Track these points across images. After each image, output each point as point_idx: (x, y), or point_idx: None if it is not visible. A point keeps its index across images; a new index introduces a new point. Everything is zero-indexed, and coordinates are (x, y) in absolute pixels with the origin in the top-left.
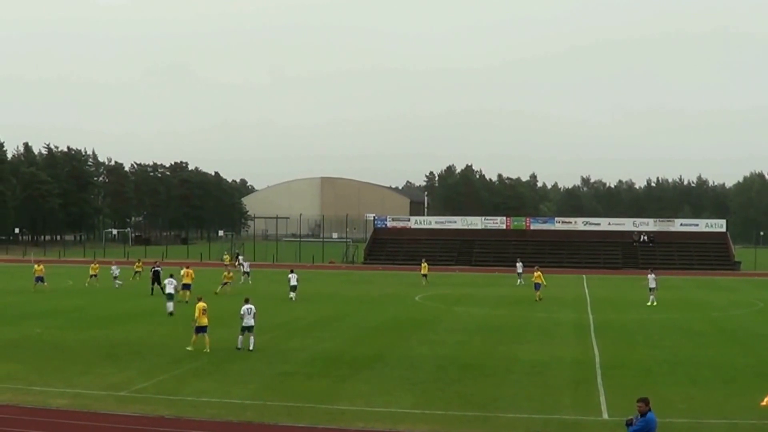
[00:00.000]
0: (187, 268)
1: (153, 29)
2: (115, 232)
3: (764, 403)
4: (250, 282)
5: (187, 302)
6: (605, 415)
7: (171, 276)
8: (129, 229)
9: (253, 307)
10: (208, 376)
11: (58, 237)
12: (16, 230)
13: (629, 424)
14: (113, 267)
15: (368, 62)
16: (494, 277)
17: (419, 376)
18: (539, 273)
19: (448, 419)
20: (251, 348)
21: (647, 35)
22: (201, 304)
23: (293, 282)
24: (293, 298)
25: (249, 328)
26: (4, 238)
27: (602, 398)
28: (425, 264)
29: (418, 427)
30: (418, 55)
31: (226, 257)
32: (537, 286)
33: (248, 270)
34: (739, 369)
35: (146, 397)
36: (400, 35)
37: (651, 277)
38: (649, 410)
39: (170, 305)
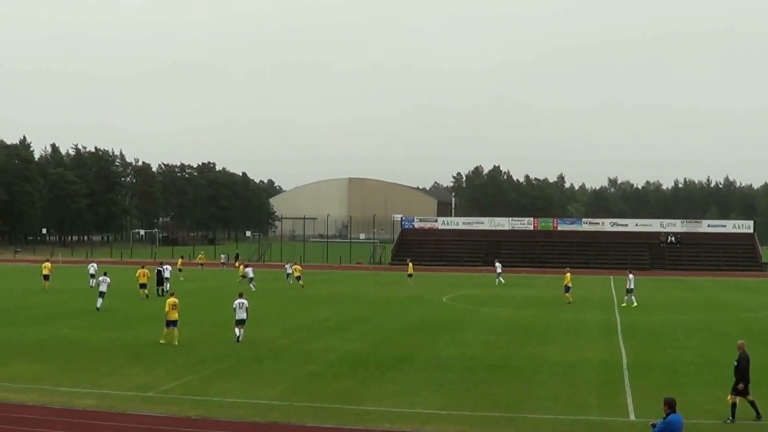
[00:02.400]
0: (142, 268)
1: (179, 27)
2: (142, 232)
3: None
4: (252, 287)
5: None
6: (632, 417)
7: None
8: (156, 229)
9: (245, 301)
10: (234, 376)
11: (86, 237)
12: (44, 231)
13: (654, 425)
14: (91, 266)
15: (393, 61)
16: (521, 278)
17: (446, 376)
18: (569, 275)
19: (475, 420)
20: (239, 340)
21: (677, 31)
22: (171, 300)
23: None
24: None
25: (241, 322)
26: (31, 238)
27: (629, 399)
28: (411, 264)
29: (445, 427)
30: (444, 53)
31: (201, 256)
32: (567, 288)
33: (251, 275)
34: (766, 371)
35: (173, 397)
36: (426, 33)
37: (630, 277)
38: (673, 412)
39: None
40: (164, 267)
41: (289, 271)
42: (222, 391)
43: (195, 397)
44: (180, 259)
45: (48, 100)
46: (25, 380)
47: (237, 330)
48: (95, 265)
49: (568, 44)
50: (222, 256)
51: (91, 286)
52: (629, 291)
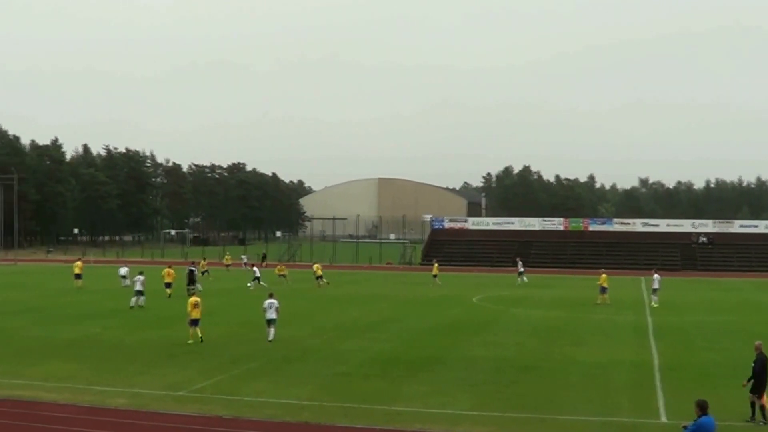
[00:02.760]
0: (169, 267)
1: (206, 27)
2: (173, 232)
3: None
4: (250, 286)
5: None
6: (663, 419)
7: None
8: (187, 229)
9: (275, 301)
10: (265, 376)
11: (117, 238)
12: (76, 231)
13: (686, 427)
14: (123, 268)
15: (421, 60)
16: (552, 279)
17: (477, 377)
18: (605, 276)
19: (506, 421)
20: (270, 339)
21: (708, 28)
22: (193, 299)
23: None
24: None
25: (271, 321)
26: (63, 238)
27: (660, 401)
28: (436, 264)
29: (475, 428)
30: (471, 52)
31: (227, 258)
32: (603, 289)
33: (258, 275)
34: None
35: (204, 397)
36: (455, 32)
37: (656, 277)
38: (705, 414)
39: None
40: (195, 267)
41: (257, 274)
42: (253, 391)
43: (226, 397)
44: (202, 261)
45: (78, 100)
46: (58, 379)
47: (268, 330)
48: (127, 268)
49: (596, 42)
50: (243, 257)
51: (125, 286)
52: (654, 291)
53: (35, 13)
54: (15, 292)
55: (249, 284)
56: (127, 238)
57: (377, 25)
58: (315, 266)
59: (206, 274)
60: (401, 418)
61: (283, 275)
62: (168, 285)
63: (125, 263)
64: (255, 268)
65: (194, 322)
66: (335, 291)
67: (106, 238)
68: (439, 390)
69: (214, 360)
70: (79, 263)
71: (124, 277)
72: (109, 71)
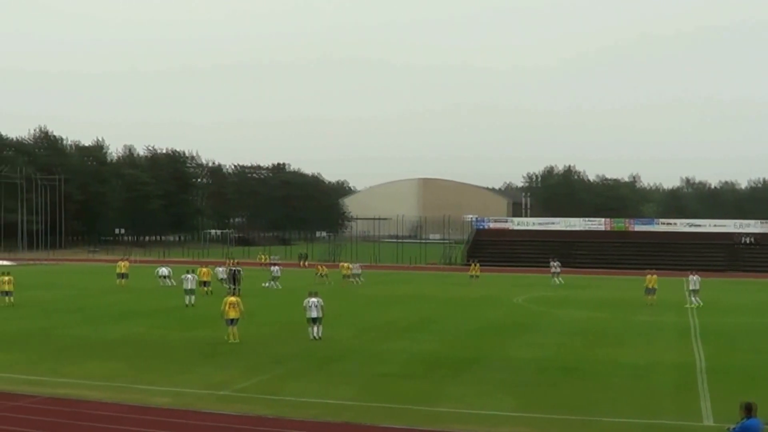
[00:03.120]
0: (205, 267)
1: (244, 26)
2: (216, 233)
3: None
4: (269, 285)
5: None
6: (707, 421)
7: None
8: (230, 230)
9: (318, 300)
10: (307, 376)
11: (160, 238)
12: (119, 231)
13: (731, 430)
14: (163, 269)
15: (459, 60)
16: (595, 279)
17: (519, 378)
18: (654, 277)
19: (548, 423)
20: (319, 336)
21: (754, 20)
22: (231, 299)
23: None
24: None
25: (314, 320)
26: (106, 238)
27: (705, 403)
28: (475, 264)
29: (517, 430)
30: (510, 52)
31: (262, 257)
32: (651, 290)
33: (277, 275)
34: None
35: (247, 396)
36: (492, 31)
37: (694, 278)
38: (750, 416)
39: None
40: (239, 267)
41: (358, 271)
42: (295, 391)
43: (268, 397)
44: (230, 261)
45: (120, 101)
46: (102, 378)
47: (312, 328)
48: (167, 268)
49: (637, 39)
50: (273, 257)
51: (170, 285)
52: (694, 292)
53: (74, 15)
54: (59, 291)
55: (265, 284)
56: (170, 238)
57: (415, 25)
58: (342, 264)
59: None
60: (443, 418)
61: (324, 275)
62: (205, 284)
63: (166, 263)
64: (274, 267)
65: (232, 321)
66: (378, 291)
67: (149, 238)
68: (481, 391)
69: (256, 360)
70: (124, 263)
71: (164, 277)
72: (150, 71)
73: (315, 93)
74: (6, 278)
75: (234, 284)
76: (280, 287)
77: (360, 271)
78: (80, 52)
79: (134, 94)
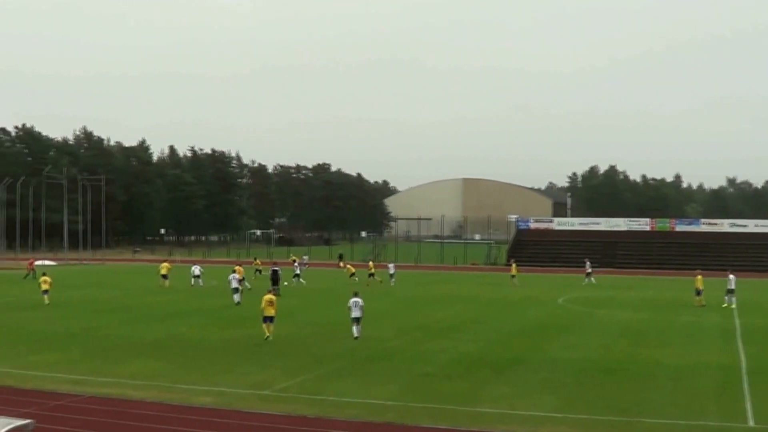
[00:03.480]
0: (239, 266)
1: (286, 30)
2: (258, 233)
3: None
4: (287, 284)
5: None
6: (751, 422)
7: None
8: (272, 230)
9: (360, 300)
10: (349, 376)
11: (203, 238)
12: (162, 231)
13: None
14: (195, 267)
15: (502, 62)
16: (638, 280)
17: (561, 379)
18: (701, 277)
19: (590, 423)
20: (357, 336)
21: None
22: (268, 296)
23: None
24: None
25: (357, 319)
26: (150, 238)
27: (748, 404)
28: (515, 264)
29: (559, 430)
30: (553, 54)
31: (294, 258)
32: (698, 291)
33: (298, 272)
34: None
35: (289, 396)
36: (534, 34)
37: (731, 278)
38: None
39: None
40: (277, 267)
41: (392, 271)
42: (337, 391)
43: (310, 396)
44: (255, 260)
45: (163, 103)
46: (144, 377)
47: (354, 328)
48: (199, 267)
49: (679, 39)
50: (303, 257)
51: (192, 285)
52: (730, 292)
53: (118, 21)
54: (102, 291)
55: (285, 283)
56: (213, 238)
57: (456, 28)
58: (370, 263)
59: (259, 273)
60: (485, 419)
61: (353, 274)
62: (241, 280)
63: (198, 262)
64: (296, 265)
65: (268, 319)
66: (420, 291)
67: (192, 238)
68: (523, 391)
69: (298, 359)
70: (166, 264)
71: (196, 276)
72: (194, 73)
73: (358, 94)
74: (45, 278)
75: (275, 284)
76: (305, 283)
77: (394, 270)
78: (123, 57)
79: (177, 96)
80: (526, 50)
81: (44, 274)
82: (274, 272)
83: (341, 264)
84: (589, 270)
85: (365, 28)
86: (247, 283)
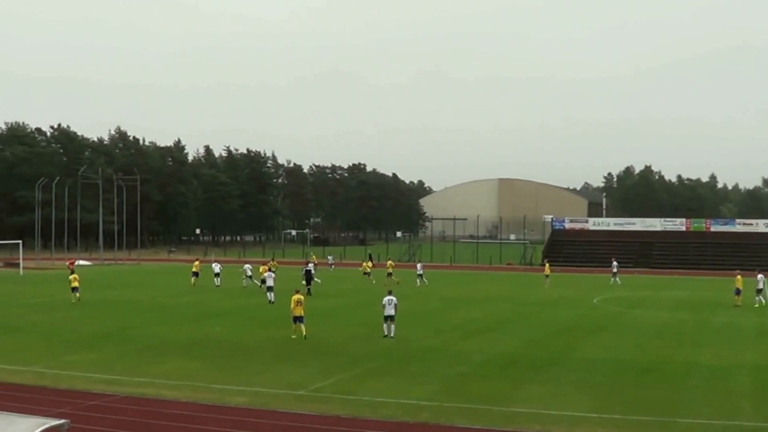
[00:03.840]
0: (265, 265)
1: (321, 39)
2: (293, 233)
3: None
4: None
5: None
6: None
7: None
8: (307, 230)
9: (393, 298)
10: (384, 376)
11: (238, 238)
12: (197, 231)
13: None
14: (246, 266)
15: (533, 72)
16: (674, 280)
17: (597, 379)
18: (740, 277)
19: (626, 423)
20: (392, 335)
21: None
22: (296, 297)
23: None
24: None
25: (390, 317)
26: (185, 238)
27: None
28: (548, 264)
29: (594, 430)
30: (595, 61)
31: (314, 257)
32: (738, 291)
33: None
34: None
35: (324, 396)
36: (569, 43)
37: (760, 277)
38: None
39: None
40: (310, 265)
41: (420, 272)
42: (372, 391)
43: (345, 396)
44: (272, 261)
45: (200, 110)
46: (179, 377)
47: (385, 326)
48: (219, 264)
49: (710, 47)
50: (329, 257)
51: (217, 286)
52: (759, 291)
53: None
54: (137, 291)
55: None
56: (248, 238)
57: (485, 38)
58: (389, 262)
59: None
60: (520, 419)
61: (368, 273)
62: (263, 281)
63: (216, 261)
64: (309, 265)
65: (298, 319)
66: (455, 292)
67: (228, 238)
68: (559, 391)
69: (333, 359)
70: (197, 263)
71: (217, 274)
72: (230, 81)
73: (392, 95)
74: (74, 276)
75: (308, 283)
76: (319, 281)
77: (422, 271)
78: (159, 67)
79: (215, 105)
80: (563, 59)
81: (73, 272)
82: (307, 272)
83: (371, 265)
84: (615, 270)
85: (390, 39)
86: (255, 281)
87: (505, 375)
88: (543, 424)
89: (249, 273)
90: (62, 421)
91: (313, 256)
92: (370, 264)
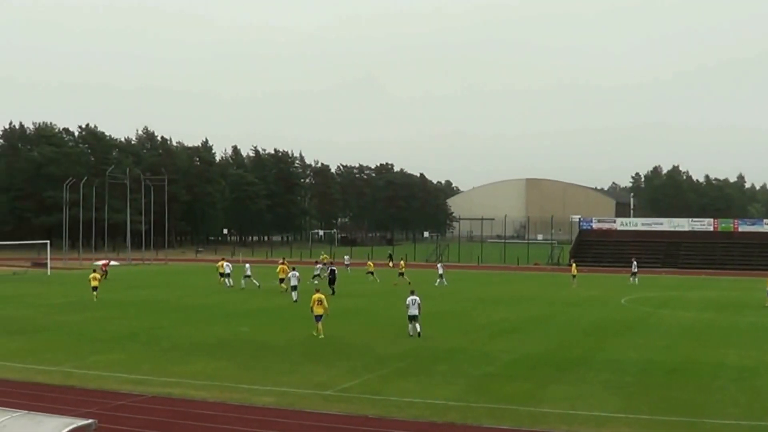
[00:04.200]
0: (283, 264)
1: (353, 46)
2: (321, 233)
3: None
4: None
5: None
6: None
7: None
8: (335, 230)
9: (417, 298)
10: (412, 376)
11: (266, 238)
12: (225, 231)
13: None
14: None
15: (570, 78)
16: (702, 280)
17: (624, 379)
18: None
19: (653, 424)
20: (419, 333)
21: None
22: (317, 296)
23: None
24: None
25: (414, 317)
26: (213, 238)
27: None
28: (575, 265)
29: (622, 431)
30: (618, 68)
31: (324, 257)
32: None
33: (317, 272)
34: None
35: (351, 396)
36: (593, 51)
37: None
38: None
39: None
40: (333, 266)
41: (441, 272)
42: (399, 391)
43: (373, 396)
44: (283, 261)
45: (229, 117)
46: (207, 377)
47: (411, 326)
48: (230, 264)
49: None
50: (345, 257)
51: (229, 286)
52: None
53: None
54: (165, 291)
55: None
56: (276, 238)
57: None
58: (402, 262)
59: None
60: (547, 419)
61: (371, 272)
62: (282, 280)
63: (228, 261)
64: (318, 265)
65: (319, 318)
66: (482, 292)
67: (255, 238)
68: (586, 392)
69: (360, 359)
70: (223, 262)
71: (227, 275)
72: (256, 88)
73: (420, 93)
74: (95, 275)
75: (331, 284)
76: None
77: (443, 271)
78: (182, 73)
79: (239, 110)
80: (596, 67)
81: (94, 271)
82: (332, 272)
83: (391, 264)
84: (635, 270)
85: (414, 44)
86: (255, 281)
87: (532, 375)
88: (570, 424)
89: (248, 273)
90: (90, 420)
91: (325, 256)
92: (391, 263)
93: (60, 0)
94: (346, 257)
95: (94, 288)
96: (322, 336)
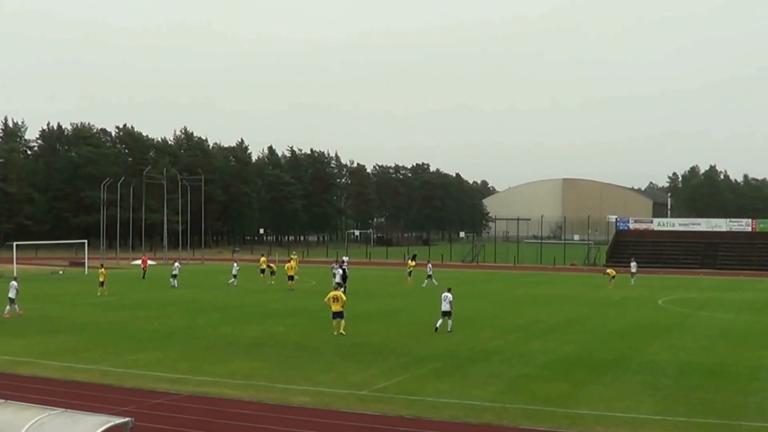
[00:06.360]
0: (290, 262)
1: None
2: (357, 233)
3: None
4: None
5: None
6: None
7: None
8: (371, 230)
9: (449, 295)
10: (448, 377)
11: (302, 237)
12: (261, 231)
13: None
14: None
15: (610, 91)
16: (740, 281)
17: (661, 381)
18: None
19: (690, 426)
20: (449, 330)
21: None
22: (333, 294)
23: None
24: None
25: (446, 313)
26: (249, 238)
27: None
28: (612, 269)
29: None
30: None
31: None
32: None
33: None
34: None
35: (387, 396)
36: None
37: None
38: None
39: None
40: (345, 265)
41: (430, 272)
42: (435, 391)
43: (408, 397)
44: (293, 258)
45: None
46: (243, 377)
47: (440, 321)
48: (236, 264)
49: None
50: (344, 258)
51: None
52: None
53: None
54: (202, 291)
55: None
56: (312, 238)
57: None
58: (261, 259)
59: (272, 273)
60: (583, 421)
61: (273, 273)
62: (291, 278)
63: (234, 261)
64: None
65: (338, 315)
66: (519, 292)
67: (291, 238)
68: (623, 393)
69: (396, 360)
70: (264, 259)
71: (234, 275)
72: (286, 88)
73: (454, 89)
74: (102, 270)
75: (342, 281)
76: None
77: (432, 271)
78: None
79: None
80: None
81: (102, 266)
82: (343, 270)
83: (414, 264)
84: (634, 270)
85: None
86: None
87: (568, 376)
88: (606, 426)
89: (234, 272)
90: (126, 419)
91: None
92: (413, 263)
93: (107, 19)
94: (344, 257)
95: (101, 283)
96: (344, 333)
